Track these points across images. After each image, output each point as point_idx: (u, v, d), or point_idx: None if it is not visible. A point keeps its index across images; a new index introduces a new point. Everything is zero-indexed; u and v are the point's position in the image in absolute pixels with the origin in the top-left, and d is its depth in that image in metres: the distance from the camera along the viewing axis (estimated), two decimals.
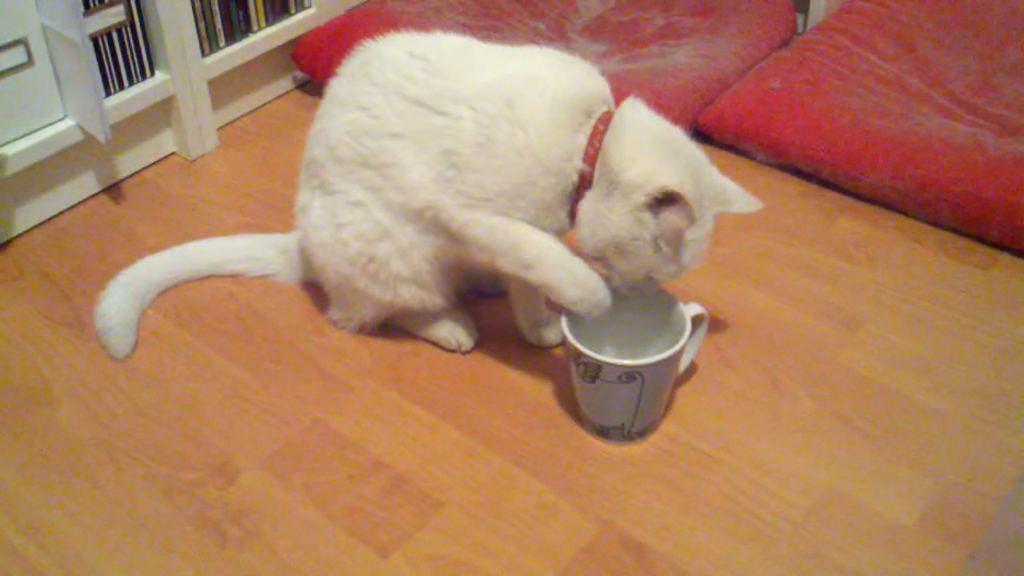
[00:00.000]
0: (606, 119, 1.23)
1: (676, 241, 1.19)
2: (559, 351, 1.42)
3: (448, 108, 1.23)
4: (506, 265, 1.25)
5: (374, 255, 1.31)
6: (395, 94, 1.26)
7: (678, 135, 1.24)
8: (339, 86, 1.34)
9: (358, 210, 1.30)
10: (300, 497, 1.24)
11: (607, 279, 1.25)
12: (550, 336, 1.41)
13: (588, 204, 1.22)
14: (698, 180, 1.20)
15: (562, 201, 1.23)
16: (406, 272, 1.32)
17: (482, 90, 1.22)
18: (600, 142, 1.21)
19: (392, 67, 1.28)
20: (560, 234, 1.27)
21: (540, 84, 1.21)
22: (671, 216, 1.16)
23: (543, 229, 1.24)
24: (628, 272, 1.22)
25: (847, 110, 1.73)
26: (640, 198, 1.16)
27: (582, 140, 1.22)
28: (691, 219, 1.16)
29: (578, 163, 1.22)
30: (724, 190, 1.27)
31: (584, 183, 1.22)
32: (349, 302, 1.41)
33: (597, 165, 1.21)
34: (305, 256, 1.45)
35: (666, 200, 1.16)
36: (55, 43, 1.58)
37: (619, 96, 1.28)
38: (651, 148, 1.19)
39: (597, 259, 1.24)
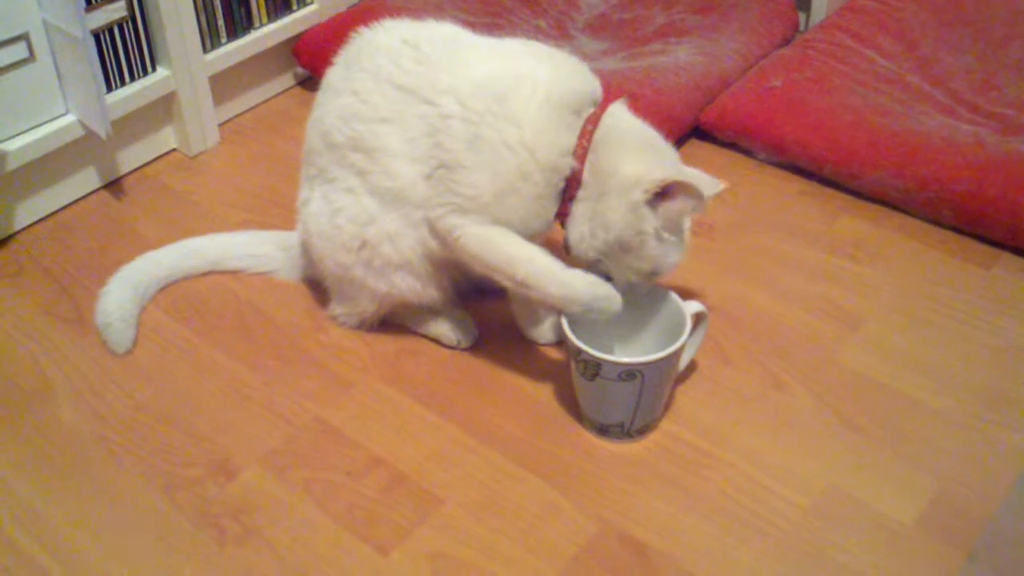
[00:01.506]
0: (594, 119, 1.24)
1: (678, 230, 1.22)
2: (559, 348, 1.42)
3: (435, 98, 1.24)
4: (501, 280, 1.26)
5: (366, 239, 1.31)
6: (385, 80, 1.27)
7: (657, 135, 1.28)
8: (333, 74, 1.35)
9: (350, 195, 1.31)
10: (300, 494, 1.24)
11: (611, 279, 1.26)
12: (549, 333, 1.41)
13: (582, 206, 1.24)
14: (680, 170, 1.25)
15: (553, 198, 1.25)
16: (397, 258, 1.32)
17: (471, 86, 1.23)
18: (589, 141, 1.23)
19: (384, 53, 1.29)
20: (546, 232, 1.28)
21: (531, 81, 1.22)
22: (674, 206, 1.20)
23: (532, 229, 1.25)
24: (635, 268, 1.24)
25: (849, 108, 1.73)
26: (639, 195, 1.19)
27: (572, 138, 1.23)
28: (699, 200, 1.19)
29: (570, 160, 1.23)
30: (694, 179, 1.28)
31: (574, 182, 1.23)
32: (348, 295, 1.41)
33: (587, 165, 1.23)
34: (305, 250, 1.45)
35: (664, 192, 1.19)
36: (56, 39, 1.58)
37: (618, 93, 1.28)
38: (640, 147, 1.23)
39: (596, 260, 1.25)
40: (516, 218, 1.24)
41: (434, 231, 1.27)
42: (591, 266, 1.26)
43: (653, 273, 1.25)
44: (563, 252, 1.28)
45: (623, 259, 1.23)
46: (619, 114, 1.26)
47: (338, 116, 1.30)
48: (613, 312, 1.24)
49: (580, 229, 1.24)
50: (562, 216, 1.26)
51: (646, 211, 1.20)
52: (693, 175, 1.29)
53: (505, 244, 1.24)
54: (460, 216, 1.24)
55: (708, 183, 1.30)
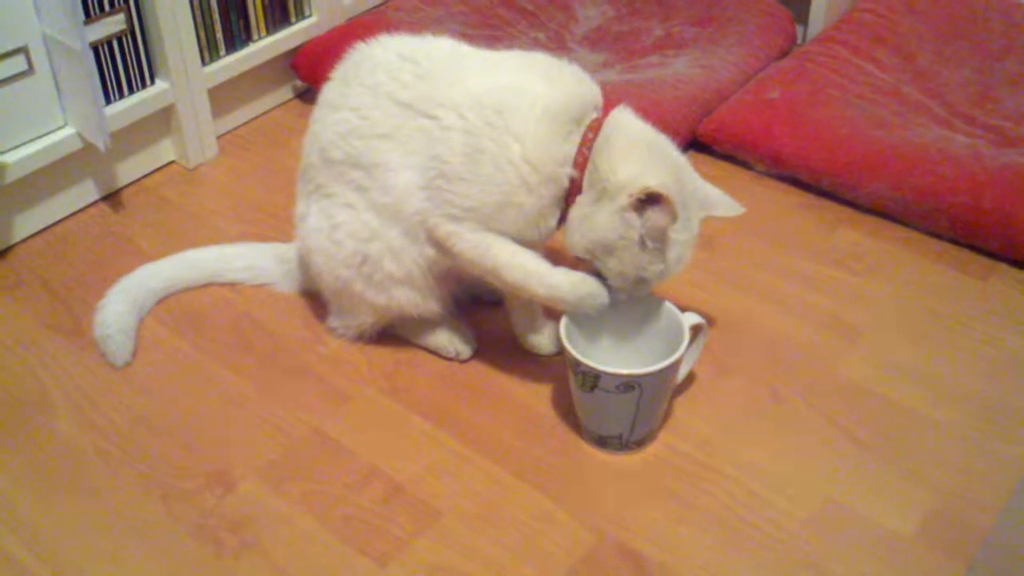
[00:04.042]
0: (596, 126, 1.25)
1: (661, 239, 1.21)
2: (557, 359, 1.41)
3: (435, 112, 1.25)
4: (495, 282, 1.29)
5: (367, 254, 1.32)
6: (384, 96, 1.28)
7: (664, 142, 1.27)
8: (331, 89, 1.35)
9: (349, 210, 1.32)
10: (297, 506, 1.24)
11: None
12: (547, 344, 1.41)
13: (577, 209, 1.24)
14: (682, 184, 1.23)
15: (553, 207, 1.25)
16: (399, 273, 1.32)
17: (470, 100, 1.23)
18: (589, 149, 1.23)
19: (382, 69, 1.29)
20: (548, 238, 1.29)
21: (530, 95, 1.23)
22: (655, 215, 1.18)
23: (529, 238, 1.26)
24: (618, 271, 1.23)
25: (846, 121, 1.74)
26: (625, 200, 1.19)
27: (572, 148, 1.23)
28: (674, 217, 1.18)
29: (569, 169, 1.23)
30: (707, 195, 1.29)
31: (574, 188, 1.24)
32: (347, 308, 1.41)
33: (586, 171, 1.23)
34: (304, 264, 1.45)
35: (649, 200, 1.18)
36: (55, 51, 1.58)
37: (615, 104, 1.28)
38: (637, 153, 1.22)
39: (585, 260, 1.25)
40: (514, 229, 1.25)
41: (432, 238, 1.28)
42: (585, 264, 1.27)
43: (639, 280, 1.24)
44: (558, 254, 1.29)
45: (608, 261, 1.23)
46: (622, 119, 1.26)
47: (336, 132, 1.31)
48: (600, 306, 1.26)
49: (573, 233, 1.25)
50: (563, 222, 1.27)
51: (632, 216, 1.19)
52: (714, 194, 1.30)
53: (497, 250, 1.25)
54: (457, 224, 1.25)
55: (727, 205, 1.30)
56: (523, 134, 1.21)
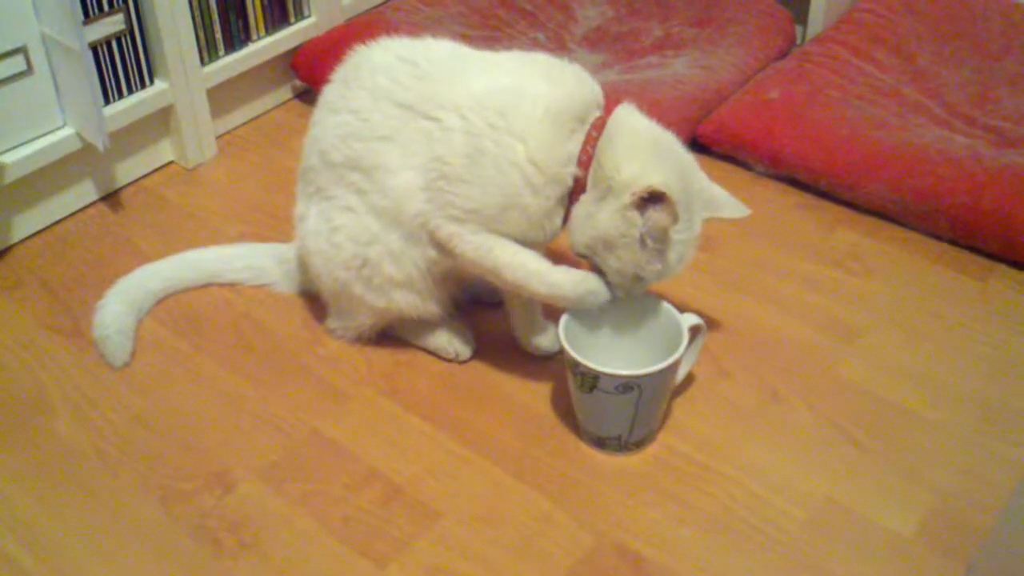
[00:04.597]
0: (599, 124, 1.24)
1: (662, 239, 1.21)
2: (556, 360, 1.41)
3: (436, 113, 1.25)
4: (496, 282, 1.29)
5: (367, 258, 1.32)
6: (384, 98, 1.28)
7: (669, 139, 1.26)
8: (330, 92, 1.35)
9: (350, 214, 1.31)
10: (296, 507, 1.24)
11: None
12: (547, 345, 1.41)
13: (581, 207, 1.24)
14: (686, 183, 1.23)
15: (558, 207, 1.25)
16: (399, 276, 1.32)
17: (472, 101, 1.23)
18: (593, 148, 1.23)
19: (382, 71, 1.29)
20: (552, 238, 1.29)
21: (532, 95, 1.23)
22: (656, 214, 1.18)
23: (537, 237, 1.26)
24: (616, 269, 1.23)
25: (845, 121, 1.74)
26: (627, 198, 1.19)
27: (576, 147, 1.23)
28: (674, 217, 1.18)
29: (573, 169, 1.23)
30: (713, 196, 1.29)
31: (578, 188, 1.24)
32: (346, 310, 1.41)
33: (591, 169, 1.23)
34: (303, 265, 1.45)
35: (651, 199, 1.18)
36: (54, 51, 1.58)
37: (616, 104, 1.28)
38: (642, 151, 1.22)
39: (585, 257, 1.26)
40: (517, 230, 1.25)
41: (433, 240, 1.28)
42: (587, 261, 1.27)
43: (637, 278, 1.24)
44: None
45: (607, 258, 1.23)
46: (627, 117, 1.25)
47: (336, 135, 1.31)
48: (602, 302, 1.27)
49: (575, 231, 1.25)
50: (567, 221, 1.27)
51: (634, 214, 1.19)
52: (719, 195, 1.30)
53: (498, 251, 1.25)
54: (459, 225, 1.25)
55: (732, 206, 1.31)
56: (526, 135, 1.21)
